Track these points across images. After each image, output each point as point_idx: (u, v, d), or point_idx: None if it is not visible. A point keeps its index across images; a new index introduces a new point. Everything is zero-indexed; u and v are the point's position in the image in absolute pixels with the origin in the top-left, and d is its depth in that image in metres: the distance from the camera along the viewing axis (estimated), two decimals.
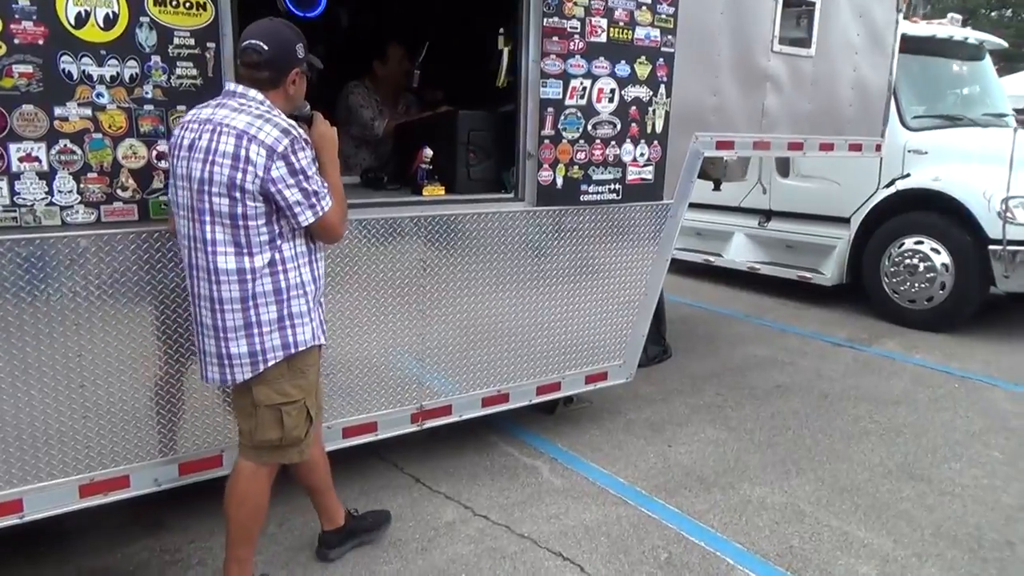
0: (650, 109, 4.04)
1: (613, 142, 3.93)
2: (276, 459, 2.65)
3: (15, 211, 2.53)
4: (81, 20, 2.54)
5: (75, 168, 2.60)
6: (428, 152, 3.50)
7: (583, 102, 3.78)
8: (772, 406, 4.80)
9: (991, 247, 6.10)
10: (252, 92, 2.45)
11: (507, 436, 4.24)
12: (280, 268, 2.45)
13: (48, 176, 2.57)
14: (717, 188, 6.46)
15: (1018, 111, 7.80)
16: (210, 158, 2.35)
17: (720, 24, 4.21)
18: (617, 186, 4.01)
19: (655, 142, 4.10)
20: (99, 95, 2.61)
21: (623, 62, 3.87)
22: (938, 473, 3.92)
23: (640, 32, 3.90)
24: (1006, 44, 8.38)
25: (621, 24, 3.82)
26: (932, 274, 6.46)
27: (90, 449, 2.82)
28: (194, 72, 2.77)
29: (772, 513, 3.49)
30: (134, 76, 2.66)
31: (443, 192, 3.56)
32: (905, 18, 5.79)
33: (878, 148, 5.37)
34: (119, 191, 2.70)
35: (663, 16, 3.96)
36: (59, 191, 2.59)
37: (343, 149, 3.03)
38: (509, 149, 3.72)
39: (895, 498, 3.65)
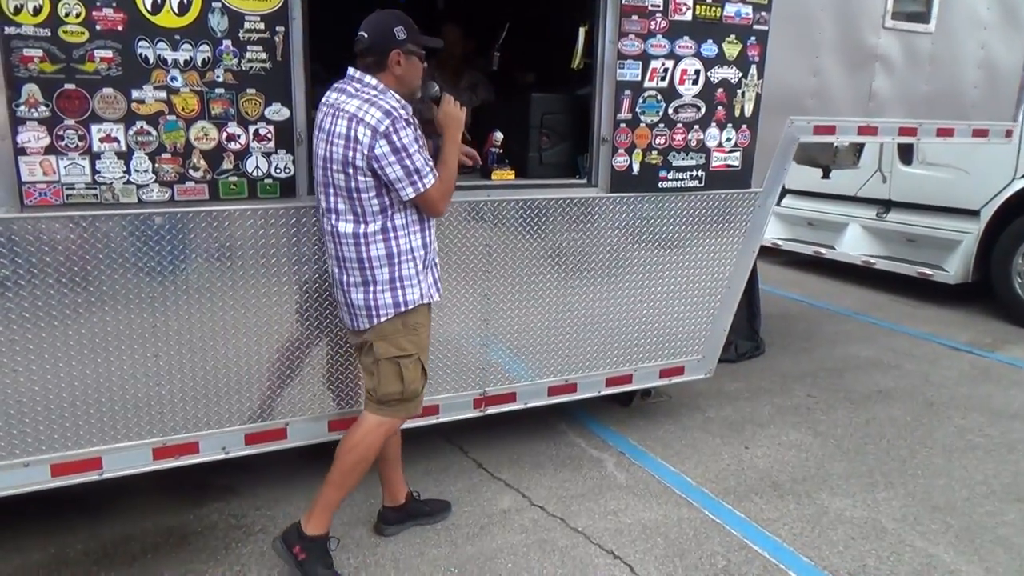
0: (739, 91, 3.81)
1: (696, 126, 3.74)
2: (399, 413, 2.85)
3: (96, 188, 2.69)
4: (157, 6, 2.65)
5: (150, 149, 2.73)
6: (498, 136, 3.45)
7: (664, 84, 3.61)
8: (868, 412, 4.47)
9: None
10: (367, 77, 2.67)
11: (577, 426, 4.17)
12: (392, 235, 2.68)
13: (126, 156, 2.71)
14: (826, 176, 6.11)
15: None
16: (330, 139, 2.63)
17: None
18: (700, 173, 3.82)
19: (744, 126, 3.87)
20: (173, 79, 2.72)
21: (710, 41, 3.67)
22: None
23: (730, 9, 3.67)
24: None
25: (709, 1, 3.61)
26: None
27: (163, 415, 2.98)
28: (263, 56, 2.84)
29: (849, 528, 3.25)
30: (206, 60, 2.75)
31: (513, 176, 3.51)
32: None
33: (1008, 134, 4.85)
34: (191, 171, 2.81)
35: None
36: (136, 170, 2.73)
37: None
38: (586, 133, 3.61)
39: (995, 522, 3.32)
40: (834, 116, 4.14)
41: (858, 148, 5.70)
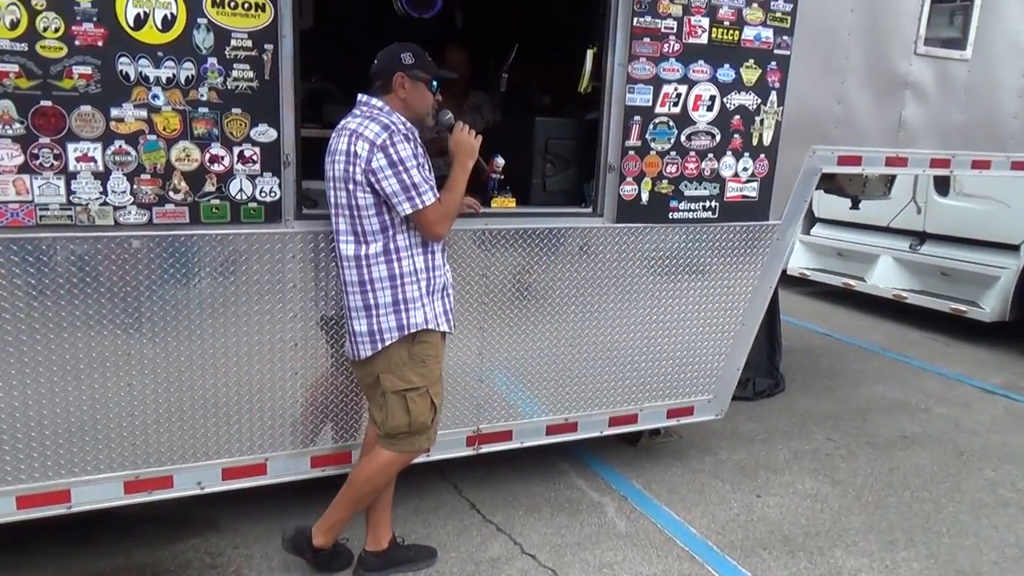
0: (757, 119, 3.62)
1: (711, 155, 3.55)
2: (407, 447, 2.80)
3: (71, 209, 2.58)
4: (140, 22, 2.55)
5: (129, 169, 2.62)
6: (499, 161, 3.29)
7: (676, 110, 3.43)
8: (892, 459, 4.20)
9: None
10: (374, 100, 2.69)
11: (579, 465, 3.97)
12: (394, 256, 2.65)
13: (103, 176, 2.60)
14: (855, 206, 5.87)
15: None
16: (333, 157, 2.65)
17: (849, 22, 3.71)
18: (713, 203, 3.62)
19: (761, 156, 3.67)
20: (155, 97, 2.61)
21: (727, 66, 3.48)
22: None
23: (749, 32, 3.49)
24: None
25: (726, 23, 3.43)
26: None
27: (136, 447, 2.85)
28: (250, 74, 2.72)
29: None
30: (190, 78, 2.64)
31: (513, 204, 3.34)
32: None
33: None
34: (171, 193, 2.70)
35: (778, 14, 3.53)
36: (113, 191, 2.62)
37: None
38: (593, 159, 3.44)
39: None
40: (860, 146, 3.92)
41: (889, 178, 5.47)
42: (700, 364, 3.84)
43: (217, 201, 2.76)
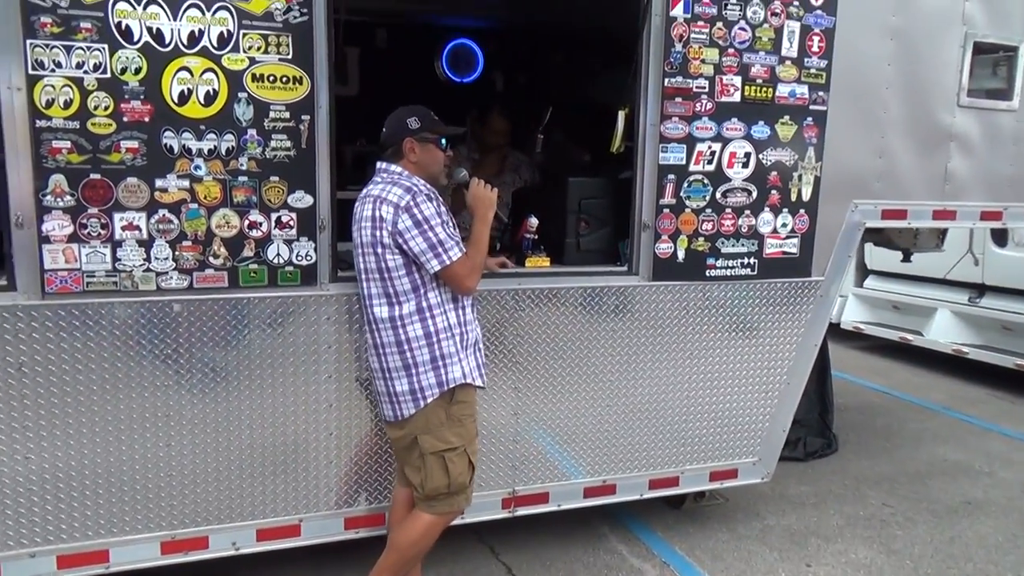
0: (795, 174, 3.57)
1: (747, 211, 3.51)
2: (446, 508, 2.79)
3: (116, 276, 2.69)
4: (184, 98, 2.68)
5: (171, 236, 2.73)
6: (533, 221, 3.31)
7: (711, 167, 3.42)
8: (953, 528, 3.97)
9: None
10: (391, 166, 2.77)
11: (620, 528, 3.86)
12: (428, 314, 2.69)
13: (147, 244, 2.71)
14: (907, 259, 5.70)
15: None
16: (360, 224, 2.71)
17: (887, 76, 3.67)
18: (752, 260, 3.57)
19: (801, 211, 3.61)
20: (197, 167, 2.73)
21: (761, 123, 3.47)
22: None
23: (783, 89, 3.48)
24: None
25: (759, 81, 3.43)
26: None
27: (173, 507, 2.89)
28: (288, 144, 2.82)
29: None
30: (230, 149, 2.75)
31: (548, 264, 3.35)
32: None
33: None
34: (211, 259, 2.79)
35: (812, 70, 3.52)
36: (156, 258, 2.72)
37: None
38: (629, 218, 3.44)
39: None
40: (905, 200, 3.83)
41: (941, 230, 5.30)
42: (744, 425, 3.74)
43: (255, 265, 2.84)
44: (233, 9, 2.69)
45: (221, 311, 2.83)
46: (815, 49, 3.51)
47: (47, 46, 2.52)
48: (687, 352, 3.55)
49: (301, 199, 2.86)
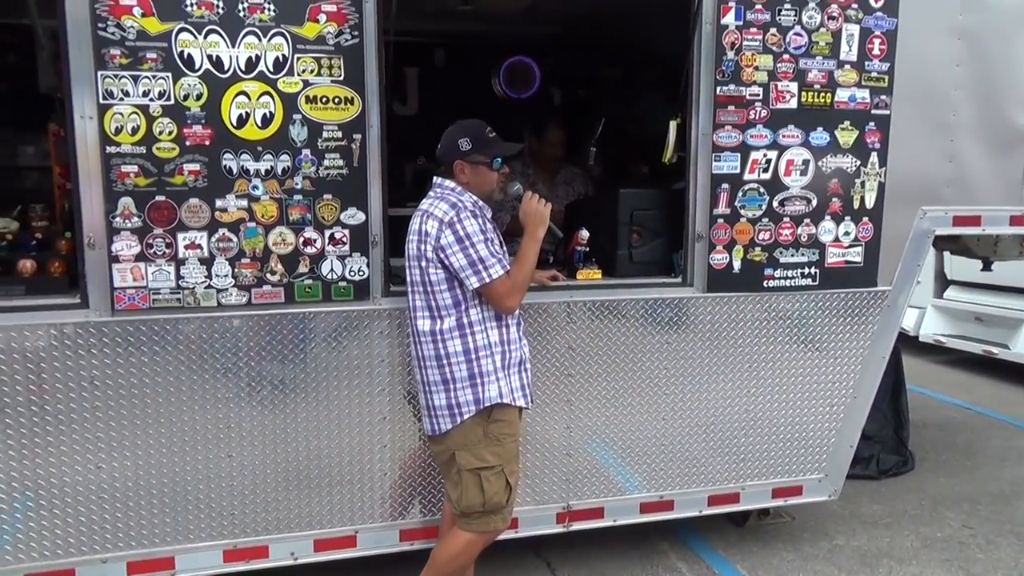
0: (857, 181, 3.46)
1: (807, 220, 3.41)
2: (482, 526, 2.78)
3: (179, 293, 2.81)
4: (242, 121, 2.80)
5: (231, 254, 2.84)
6: (584, 234, 3.30)
7: (767, 176, 3.34)
8: None
9: None
10: (446, 181, 2.80)
11: (680, 546, 3.77)
12: (468, 331, 2.69)
13: (208, 262, 2.82)
14: (987, 268, 5.43)
15: None
16: (409, 237, 2.76)
17: (955, 77, 3.52)
18: (813, 270, 3.46)
19: (865, 219, 3.49)
20: (254, 187, 2.83)
21: (820, 129, 3.38)
22: None
23: (843, 94, 3.38)
24: None
25: (817, 87, 3.35)
26: None
27: (235, 517, 2.98)
28: (340, 162, 2.91)
29: None
30: (286, 169, 2.85)
31: (599, 276, 3.33)
32: None
33: None
34: (268, 275, 2.88)
35: (874, 74, 3.41)
36: (216, 275, 2.84)
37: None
38: (682, 229, 3.39)
39: None
40: (978, 205, 3.65)
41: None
42: (808, 440, 3.61)
43: (310, 281, 2.93)
44: (288, 35, 2.80)
45: (278, 326, 2.92)
46: (876, 52, 3.40)
47: (116, 76, 2.67)
48: (746, 365, 3.47)
49: (353, 216, 2.94)
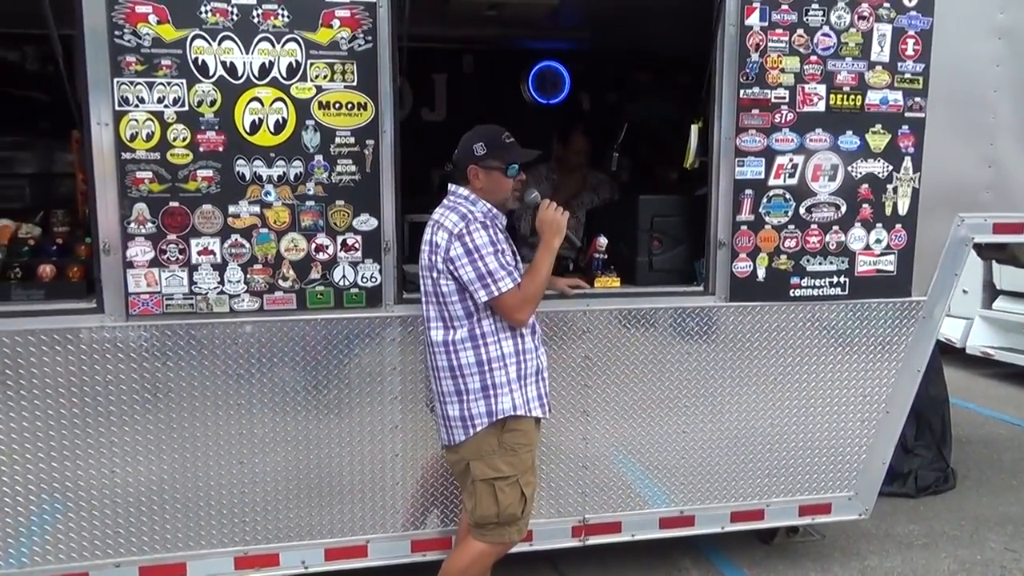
0: (889, 187, 3.32)
1: (835, 227, 3.29)
2: (497, 538, 2.72)
3: (192, 299, 2.82)
4: (255, 127, 2.80)
5: (243, 260, 2.84)
6: (602, 241, 3.23)
7: (793, 181, 3.23)
8: None
9: None
10: (460, 189, 2.74)
11: (703, 563, 3.66)
12: (481, 342, 2.64)
13: (221, 268, 2.82)
14: None
15: None
16: (422, 247, 2.72)
17: (995, 78, 3.36)
18: (842, 279, 3.33)
19: (898, 226, 3.35)
20: (267, 193, 2.83)
21: (849, 133, 3.25)
22: None
23: (874, 96, 3.25)
24: None
25: (846, 89, 3.23)
26: None
27: (246, 524, 2.98)
28: (353, 168, 2.89)
29: None
30: (299, 175, 2.84)
31: (618, 284, 3.25)
32: None
33: None
34: (280, 281, 2.87)
35: (907, 76, 3.27)
36: (229, 281, 2.84)
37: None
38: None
39: None
40: (1020, 211, 3.48)
41: None
42: (837, 456, 3.47)
43: (322, 288, 2.91)
44: (301, 40, 2.79)
45: (290, 332, 2.91)
46: (910, 53, 3.26)
47: (132, 83, 2.69)
48: (771, 377, 3.35)
49: (366, 222, 2.92)
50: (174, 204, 2.76)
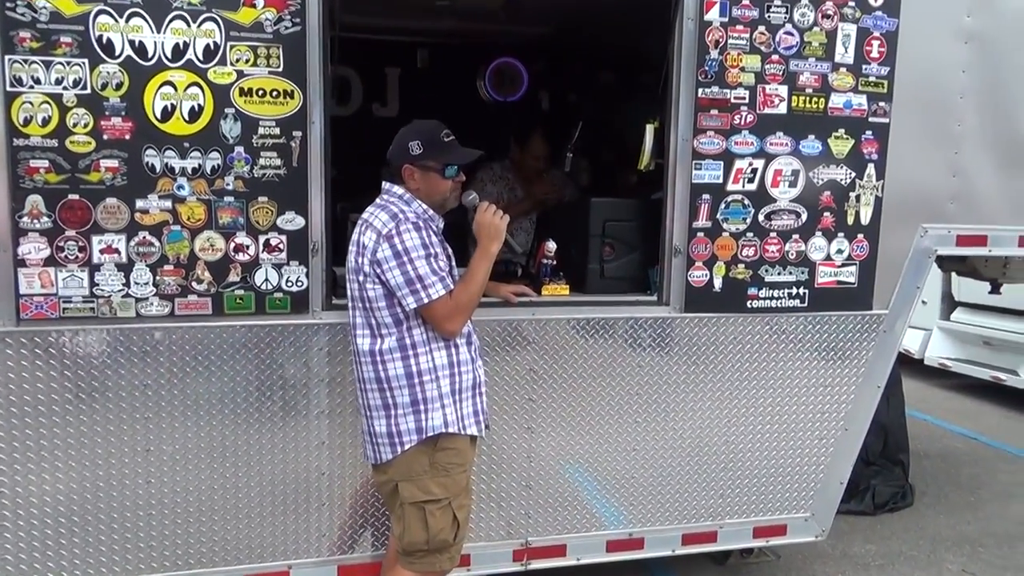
0: (851, 195, 3.18)
1: (795, 236, 3.13)
2: (427, 567, 2.52)
3: (93, 301, 2.55)
4: (167, 114, 2.54)
5: (152, 260, 2.57)
6: (551, 246, 3.02)
7: (752, 187, 3.06)
8: None
9: None
10: (394, 187, 2.53)
11: None
12: (411, 352, 2.44)
13: (126, 268, 2.56)
14: (995, 291, 5.11)
15: None
16: (349, 248, 2.50)
17: (961, 84, 3.23)
18: (802, 291, 3.18)
19: (860, 236, 3.20)
20: (180, 187, 2.57)
21: (811, 137, 3.10)
22: None
23: (837, 99, 3.10)
24: None
25: (809, 91, 3.07)
26: None
27: (151, 548, 2.71)
28: (278, 162, 2.64)
29: None
30: (216, 168, 2.59)
31: (567, 292, 3.05)
32: None
33: None
34: (194, 283, 2.62)
35: (872, 79, 3.13)
36: (135, 283, 2.57)
37: None
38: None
39: None
40: (984, 224, 3.36)
41: None
42: (793, 476, 3.32)
43: (241, 291, 2.66)
44: (220, 20, 2.54)
45: (205, 340, 2.65)
46: (875, 55, 3.12)
47: (26, 62, 2.41)
48: (726, 392, 3.18)
49: (292, 220, 2.67)
50: (74, 197, 2.49)
